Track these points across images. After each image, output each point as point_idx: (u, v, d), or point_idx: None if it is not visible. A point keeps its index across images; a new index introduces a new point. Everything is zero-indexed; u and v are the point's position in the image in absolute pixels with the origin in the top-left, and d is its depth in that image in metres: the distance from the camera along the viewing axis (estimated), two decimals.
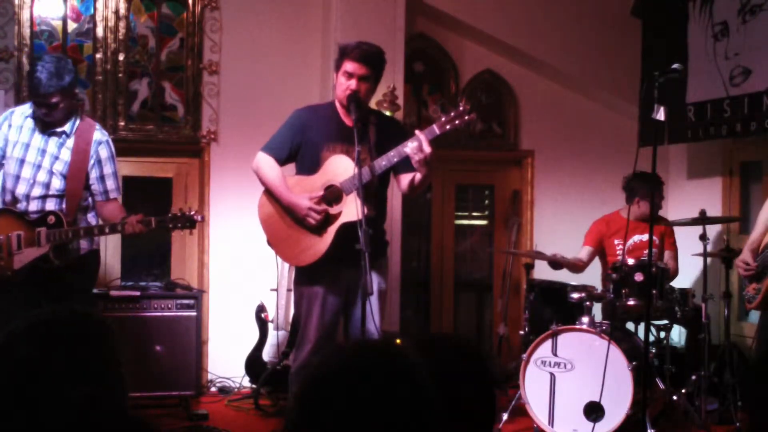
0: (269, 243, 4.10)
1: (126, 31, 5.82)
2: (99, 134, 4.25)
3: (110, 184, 4.26)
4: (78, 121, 4.23)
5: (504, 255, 6.51)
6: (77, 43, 5.80)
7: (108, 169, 4.25)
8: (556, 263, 5.35)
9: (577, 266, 5.47)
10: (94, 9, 5.77)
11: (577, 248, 5.63)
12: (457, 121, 3.85)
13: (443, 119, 3.86)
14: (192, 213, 4.13)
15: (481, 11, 6.23)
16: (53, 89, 4.02)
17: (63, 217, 4.08)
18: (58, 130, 4.18)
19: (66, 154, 4.17)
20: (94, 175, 4.21)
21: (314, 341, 3.97)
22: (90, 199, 4.27)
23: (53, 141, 4.18)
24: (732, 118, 5.48)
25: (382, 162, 3.86)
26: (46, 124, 4.17)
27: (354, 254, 3.62)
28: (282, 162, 4.08)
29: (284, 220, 4.02)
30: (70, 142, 4.17)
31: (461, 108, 3.88)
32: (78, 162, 4.15)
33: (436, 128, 3.84)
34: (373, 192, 3.93)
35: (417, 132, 3.81)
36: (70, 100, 4.15)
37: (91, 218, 4.30)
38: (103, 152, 4.23)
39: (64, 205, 4.15)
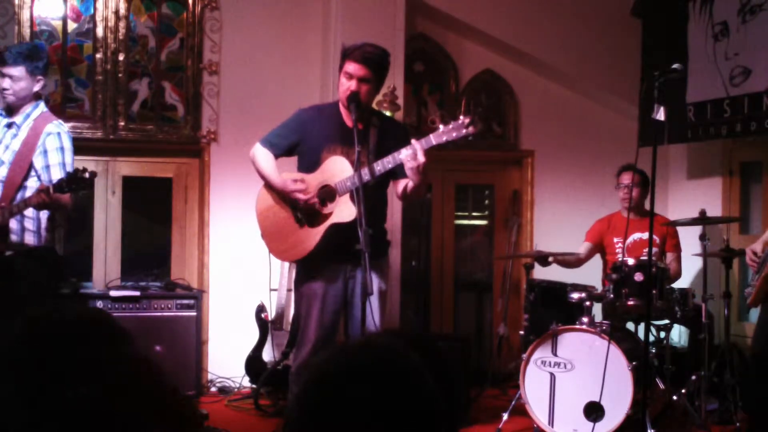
0: (262, 236, 4.13)
1: (126, 31, 5.82)
2: (51, 126, 4.30)
3: (55, 173, 4.24)
4: (36, 114, 4.31)
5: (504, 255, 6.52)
6: (77, 43, 5.80)
7: (54, 159, 4.26)
8: (542, 258, 5.31)
9: (573, 262, 5.47)
10: (94, 9, 5.78)
11: (577, 248, 5.64)
12: (454, 134, 3.77)
13: (441, 130, 3.82)
14: (83, 171, 4.03)
15: (481, 11, 6.23)
16: (17, 62, 4.21)
17: None
18: (10, 121, 4.30)
19: (16, 144, 4.26)
20: (40, 164, 4.26)
21: (314, 341, 3.98)
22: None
23: (10, 133, 4.31)
24: (732, 118, 5.48)
25: (377, 167, 3.86)
26: (8, 111, 4.32)
27: (354, 254, 3.63)
28: (276, 157, 4.12)
29: (278, 214, 4.05)
30: (23, 133, 4.27)
31: (460, 120, 3.80)
32: (24, 152, 4.23)
33: (432, 138, 3.80)
34: (367, 194, 3.92)
35: (413, 141, 3.80)
36: (29, 83, 4.26)
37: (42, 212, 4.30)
38: (51, 143, 4.26)
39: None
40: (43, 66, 4.34)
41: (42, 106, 4.36)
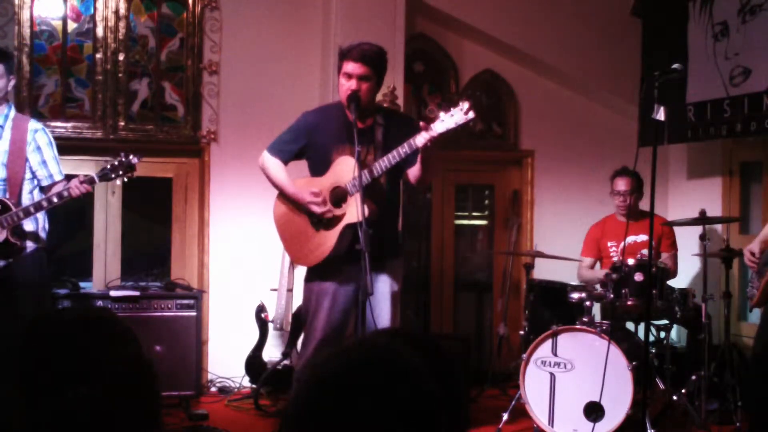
0: (282, 243, 4.16)
1: (126, 31, 5.82)
2: (33, 123, 4.46)
3: (53, 167, 4.43)
4: (12, 114, 4.38)
5: (504, 255, 6.51)
6: (77, 43, 5.80)
7: (48, 154, 4.43)
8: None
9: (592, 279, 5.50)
10: (94, 9, 5.77)
11: (577, 247, 5.65)
12: (456, 121, 3.69)
13: (442, 119, 3.71)
14: (128, 157, 4.22)
15: (481, 11, 6.23)
16: None
17: (8, 202, 4.22)
18: None
19: (4, 144, 4.32)
20: (36, 160, 4.38)
21: (320, 339, 3.95)
22: (35, 182, 4.40)
23: None
24: (732, 118, 5.48)
25: (383, 163, 3.84)
26: None
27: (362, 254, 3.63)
28: (285, 163, 4.12)
29: (295, 221, 4.05)
30: (7, 134, 4.34)
31: (459, 106, 3.72)
32: (17, 151, 4.32)
33: (436, 128, 3.71)
34: (377, 192, 3.92)
35: (420, 133, 3.75)
36: (6, 82, 4.34)
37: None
38: (42, 139, 4.42)
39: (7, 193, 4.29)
40: (14, 66, 4.54)
41: (12, 107, 4.46)
